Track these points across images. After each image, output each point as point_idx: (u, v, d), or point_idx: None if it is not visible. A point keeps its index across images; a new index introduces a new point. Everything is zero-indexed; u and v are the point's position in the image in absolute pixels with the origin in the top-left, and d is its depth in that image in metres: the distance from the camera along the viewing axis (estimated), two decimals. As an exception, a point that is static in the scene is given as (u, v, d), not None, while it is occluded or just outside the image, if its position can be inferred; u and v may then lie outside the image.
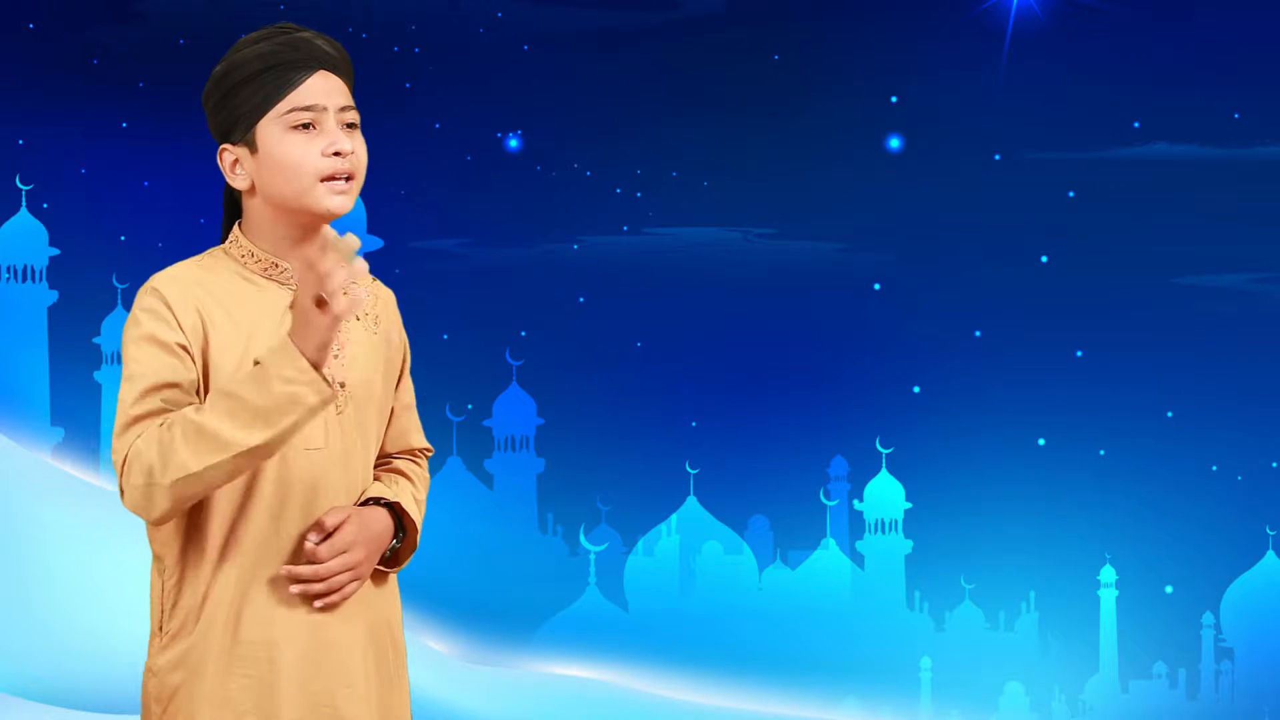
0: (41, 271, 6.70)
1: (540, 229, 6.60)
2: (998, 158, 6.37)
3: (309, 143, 2.84)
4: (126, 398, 2.79)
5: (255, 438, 2.69)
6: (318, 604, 2.85)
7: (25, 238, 6.70)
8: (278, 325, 2.87)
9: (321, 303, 2.65)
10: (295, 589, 2.84)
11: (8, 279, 6.70)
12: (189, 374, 2.80)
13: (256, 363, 2.71)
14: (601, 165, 6.56)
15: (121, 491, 2.77)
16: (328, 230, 2.68)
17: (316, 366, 2.68)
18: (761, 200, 6.51)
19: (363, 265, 2.68)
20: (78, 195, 6.69)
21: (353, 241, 2.67)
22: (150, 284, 2.86)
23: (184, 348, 2.81)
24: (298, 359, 2.66)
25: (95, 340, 6.70)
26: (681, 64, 6.50)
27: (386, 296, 3.06)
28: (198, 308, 2.83)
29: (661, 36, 6.54)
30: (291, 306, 2.72)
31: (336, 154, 2.85)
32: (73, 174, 6.68)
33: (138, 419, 2.77)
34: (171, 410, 2.77)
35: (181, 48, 6.49)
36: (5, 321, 6.68)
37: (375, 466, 3.04)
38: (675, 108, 6.50)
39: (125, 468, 2.75)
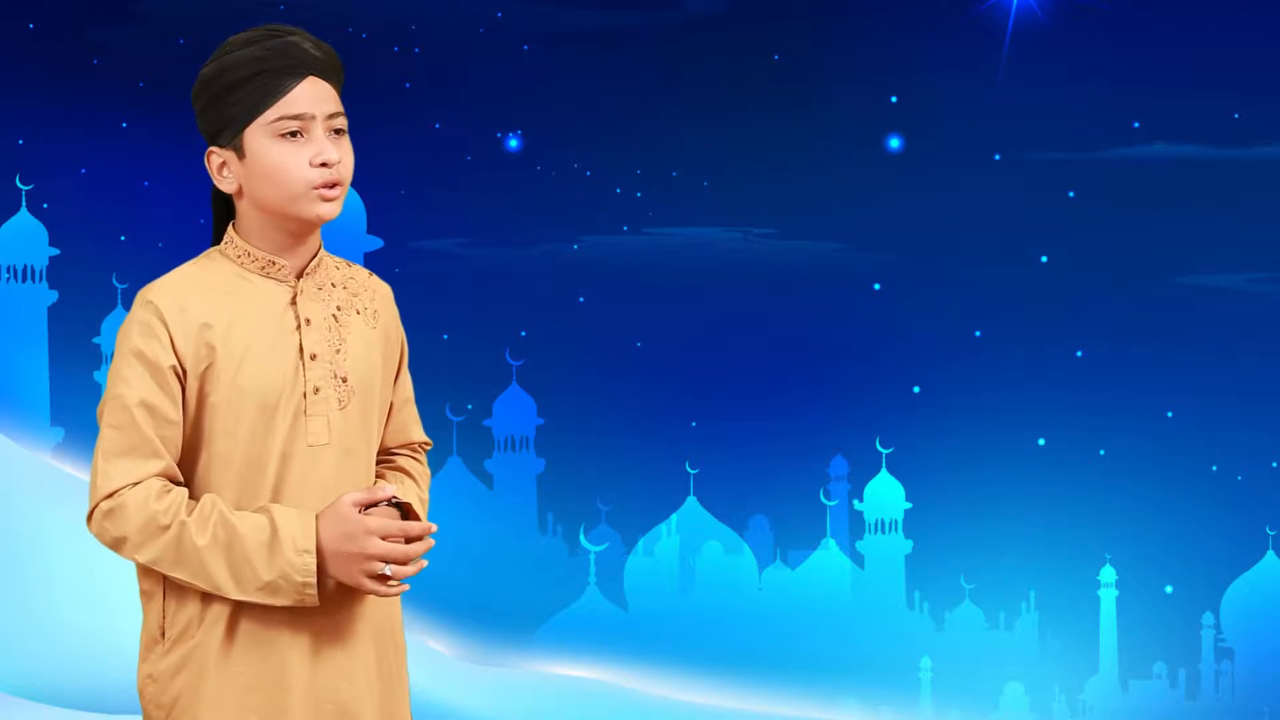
0: (41, 271, 6.70)
1: (540, 229, 6.60)
2: (998, 158, 6.37)
3: (297, 151, 2.84)
4: (113, 420, 2.81)
5: (236, 592, 2.77)
6: (390, 589, 2.86)
7: (25, 238, 6.70)
8: (278, 324, 2.87)
9: (383, 579, 2.78)
10: (391, 570, 2.84)
11: (8, 279, 6.70)
12: (174, 400, 2.82)
13: (275, 525, 2.77)
14: (601, 165, 6.56)
15: (90, 516, 2.82)
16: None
17: (323, 574, 2.77)
18: (761, 200, 6.51)
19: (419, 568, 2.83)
20: (78, 195, 6.68)
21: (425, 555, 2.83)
22: (147, 295, 2.85)
23: (174, 370, 2.81)
24: (310, 571, 2.76)
25: (95, 340, 6.70)
26: (681, 64, 6.50)
27: (384, 291, 3.06)
28: (197, 318, 2.83)
29: (661, 36, 6.53)
30: (347, 530, 2.78)
31: (324, 164, 2.85)
32: (73, 174, 6.67)
33: (126, 451, 2.79)
34: (164, 456, 2.80)
35: (181, 48, 6.49)
36: (5, 321, 6.68)
37: (377, 462, 3.05)
38: (675, 108, 6.50)
39: (105, 508, 2.79)
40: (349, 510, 2.77)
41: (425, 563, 2.83)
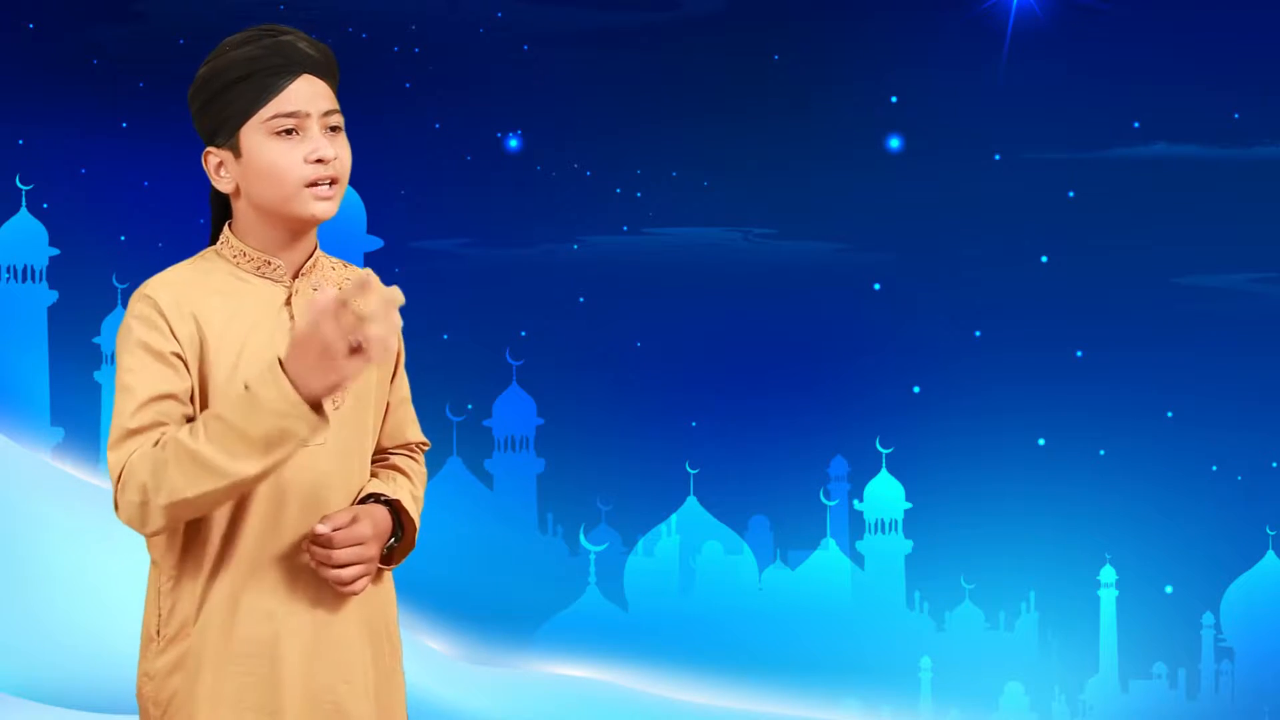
0: (41, 271, 6.71)
1: (540, 229, 6.60)
2: (998, 158, 6.37)
3: (292, 149, 2.84)
4: (122, 409, 2.78)
5: (249, 468, 2.66)
6: (346, 582, 2.83)
7: (25, 238, 6.70)
8: (274, 322, 2.87)
9: (357, 349, 2.59)
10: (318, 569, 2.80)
11: (8, 279, 6.70)
12: (183, 383, 2.80)
13: (246, 385, 2.66)
14: (601, 165, 6.56)
15: (116, 505, 2.78)
16: (373, 278, 2.58)
17: (317, 400, 2.63)
18: (761, 200, 6.52)
19: (398, 322, 2.60)
20: (78, 195, 6.69)
21: (399, 295, 2.59)
22: (143, 290, 2.86)
23: (178, 356, 2.80)
24: (288, 391, 2.61)
25: (95, 340, 6.70)
26: (681, 64, 6.50)
27: (382, 291, 3.05)
28: (193, 312, 2.83)
29: (661, 36, 6.54)
30: (296, 340, 2.63)
31: (319, 160, 2.84)
32: (73, 174, 6.68)
33: (133, 432, 2.76)
34: (167, 424, 2.77)
35: (181, 48, 6.49)
36: (5, 321, 6.68)
37: (373, 462, 3.05)
38: (675, 108, 6.50)
39: (120, 484, 2.75)
40: (295, 333, 2.67)
41: (392, 333, 2.60)
